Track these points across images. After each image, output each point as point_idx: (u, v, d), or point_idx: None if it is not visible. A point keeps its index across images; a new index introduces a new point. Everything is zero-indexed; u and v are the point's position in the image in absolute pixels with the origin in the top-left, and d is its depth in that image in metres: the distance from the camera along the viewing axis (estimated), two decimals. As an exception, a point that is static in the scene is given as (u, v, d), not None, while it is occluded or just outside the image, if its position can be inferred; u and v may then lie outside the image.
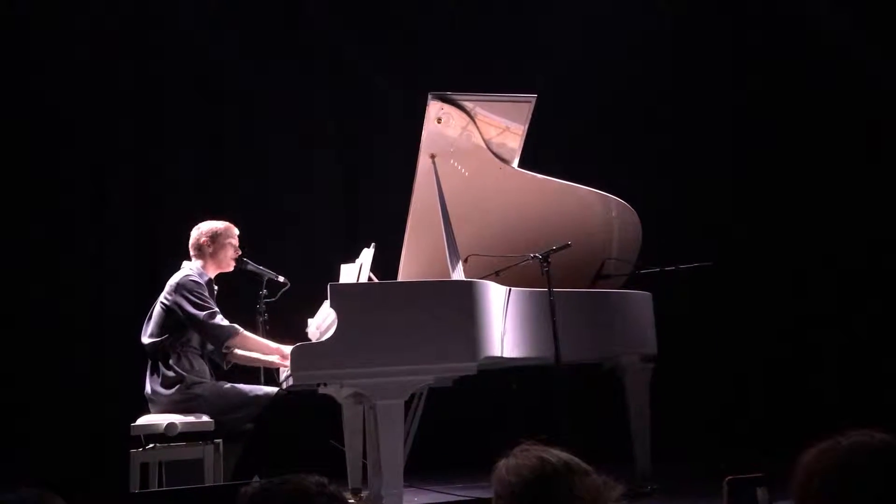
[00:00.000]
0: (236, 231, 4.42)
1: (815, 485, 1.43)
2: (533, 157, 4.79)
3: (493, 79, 6.12)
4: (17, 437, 5.71)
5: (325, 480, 1.45)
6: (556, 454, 1.52)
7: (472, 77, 6.30)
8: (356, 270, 4.33)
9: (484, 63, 6.78)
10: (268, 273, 4.63)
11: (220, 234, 4.35)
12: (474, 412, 6.15)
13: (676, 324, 5.48)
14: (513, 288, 4.23)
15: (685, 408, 6.16)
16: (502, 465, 1.55)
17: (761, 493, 1.84)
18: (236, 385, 4.18)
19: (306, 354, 3.75)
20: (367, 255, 4.28)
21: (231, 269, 4.44)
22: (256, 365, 4.38)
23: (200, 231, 4.36)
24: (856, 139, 6.59)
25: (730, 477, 1.87)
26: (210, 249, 4.33)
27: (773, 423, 6.12)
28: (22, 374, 5.92)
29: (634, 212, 5.03)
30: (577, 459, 1.53)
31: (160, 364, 4.13)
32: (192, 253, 4.36)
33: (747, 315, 6.63)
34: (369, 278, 4.30)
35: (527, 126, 4.58)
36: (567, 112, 6.57)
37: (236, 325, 4.15)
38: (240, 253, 4.43)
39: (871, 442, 1.45)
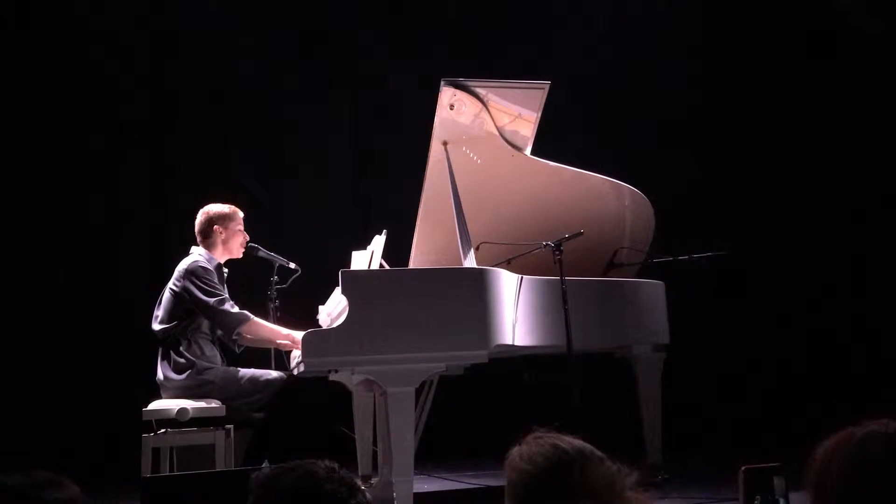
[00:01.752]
0: (241, 214, 4.38)
1: (831, 474, 1.42)
2: (546, 144, 4.76)
3: (507, 65, 6.10)
4: (30, 421, 5.75)
5: (335, 465, 1.45)
6: (570, 441, 1.51)
7: (485, 63, 6.29)
8: (368, 257, 4.32)
9: (498, 49, 6.75)
10: (279, 259, 4.62)
11: (231, 218, 4.31)
12: (485, 400, 6.16)
13: (689, 313, 5.47)
14: (524, 276, 4.21)
15: (697, 397, 6.14)
16: (515, 452, 1.54)
17: (777, 482, 1.83)
18: (247, 371, 4.18)
19: (317, 341, 3.74)
20: (378, 242, 4.27)
21: (240, 256, 4.41)
22: (268, 346, 4.38)
23: (209, 215, 4.30)
24: (872, 128, 6.54)
25: (746, 466, 1.85)
26: (223, 236, 4.29)
27: (788, 413, 6.09)
28: (35, 359, 5.95)
29: (647, 200, 5.00)
30: (590, 447, 1.52)
31: (171, 350, 4.12)
32: (199, 238, 4.31)
33: (761, 304, 6.60)
34: (381, 265, 4.29)
35: (540, 113, 4.55)
36: (580, 99, 6.54)
37: (246, 312, 4.14)
38: (248, 238, 4.40)
39: (887, 431, 1.44)
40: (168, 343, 4.15)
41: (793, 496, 1.86)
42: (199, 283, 4.10)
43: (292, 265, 4.64)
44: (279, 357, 4.53)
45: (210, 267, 4.18)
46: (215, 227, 4.29)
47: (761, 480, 1.82)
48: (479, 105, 4.43)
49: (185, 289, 4.11)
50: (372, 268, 4.20)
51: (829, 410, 5.52)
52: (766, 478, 1.83)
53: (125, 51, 6.55)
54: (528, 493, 1.49)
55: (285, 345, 4.21)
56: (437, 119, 4.35)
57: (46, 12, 6.35)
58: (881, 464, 1.39)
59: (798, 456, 1.60)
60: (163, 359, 4.16)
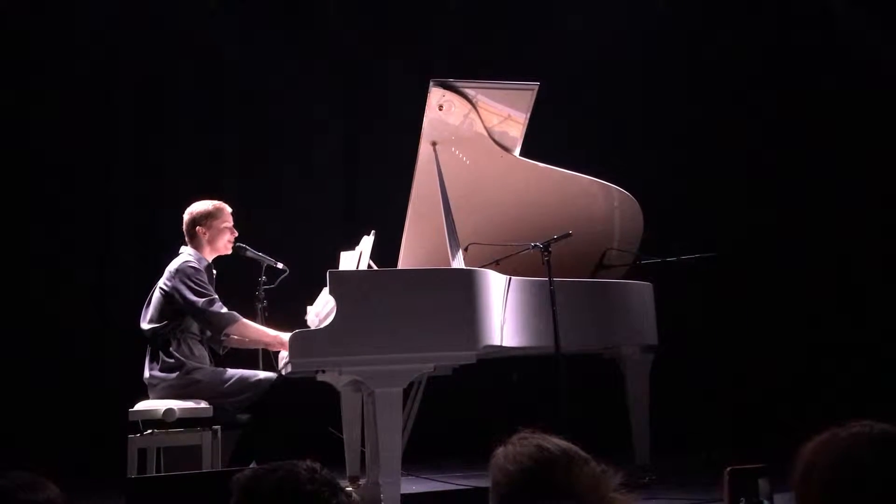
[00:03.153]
0: (229, 210, 4.34)
1: (816, 476, 1.42)
2: (535, 145, 4.76)
3: (501, 65, 6.11)
4: (15, 421, 5.71)
5: (317, 466, 1.44)
6: (555, 442, 1.51)
7: (475, 63, 6.29)
8: (356, 258, 4.31)
9: (493, 49, 6.75)
10: (267, 260, 4.60)
11: (215, 217, 4.28)
12: (473, 401, 6.15)
13: (677, 314, 5.47)
14: (513, 277, 4.21)
15: (685, 398, 6.14)
16: (500, 452, 1.54)
17: (762, 484, 1.83)
18: (236, 371, 4.16)
19: (305, 341, 3.73)
20: (366, 242, 4.26)
21: (229, 252, 4.39)
22: (254, 347, 4.36)
23: (192, 215, 4.29)
24: (863, 131, 6.56)
25: (731, 467, 1.85)
26: (206, 236, 4.28)
27: (773, 414, 6.10)
28: (21, 360, 5.92)
29: (636, 202, 5.01)
30: (575, 448, 1.51)
31: (160, 350, 4.11)
32: (186, 239, 4.31)
33: (749, 305, 6.62)
34: (369, 266, 4.28)
35: (529, 114, 4.55)
36: (571, 100, 6.54)
37: (235, 313, 4.12)
38: (236, 234, 4.38)
39: (871, 432, 1.44)
40: (157, 343, 4.13)
41: (777, 498, 1.86)
42: (188, 282, 4.08)
43: (280, 265, 4.62)
44: (267, 357, 4.51)
45: (200, 267, 4.17)
46: (198, 227, 4.28)
47: (746, 482, 1.82)
48: (469, 106, 4.43)
49: (174, 289, 4.10)
50: (360, 268, 4.19)
51: (814, 412, 5.54)
52: (750, 479, 1.83)
53: (117, 49, 6.52)
54: (512, 494, 1.49)
55: (271, 344, 4.21)
56: (425, 120, 4.34)
57: (37, 9, 6.32)
58: (865, 465, 1.39)
59: (783, 457, 1.60)
60: (151, 359, 4.14)
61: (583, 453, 1.52)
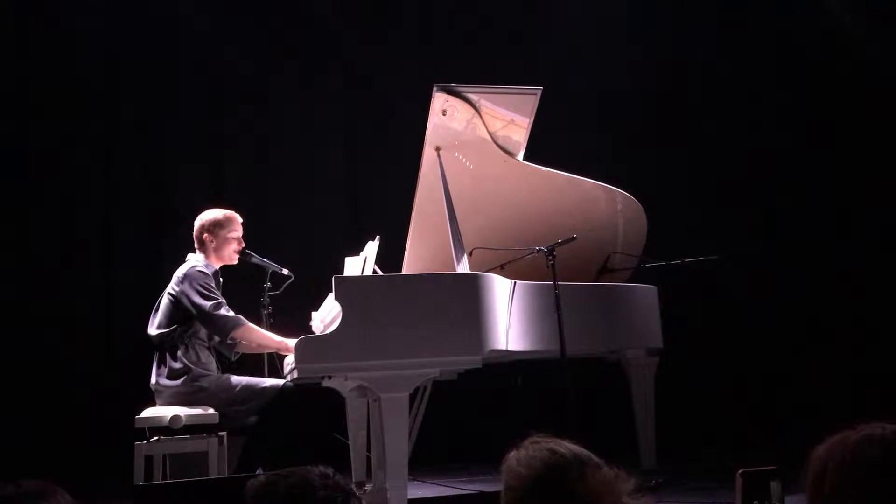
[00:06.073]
0: (240, 220, 4.37)
1: (828, 477, 1.42)
2: (538, 149, 4.76)
3: (499, 70, 6.11)
4: (22, 428, 5.71)
5: (330, 472, 1.44)
6: (568, 446, 1.51)
7: (478, 68, 6.30)
8: (361, 263, 4.32)
9: (490, 53, 6.75)
10: (272, 266, 4.60)
11: (222, 226, 4.31)
12: (479, 405, 6.14)
13: (682, 317, 5.47)
14: (518, 281, 4.21)
15: (692, 401, 6.14)
16: (513, 457, 1.53)
17: (774, 486, 1.83)
18: (241, 378, 4.17)
19: (311, 347, 3.74)
20: (371, 248, 4.27)
21: (235, 262, 4.41)
22: (264, 351, 4.38)
23: (202, 223, 4.32)
24: (867, 131, 6.56)
25: (743, 470, 1.86)
26: (213, 245, 4.30)
27: (783, 416, 6.09)
28: (27, 366, 5.91)
29: (640, 205, 5.01)
30: (588, 452, 1.51)
31: (167, 355, 4.12)
32: (195, 245, 4.34)
33: (755, 307, 6.61)
34: (374, 271, 4.28)
35: (532, 119, 4.55)
36: (572, 104, 6.54)
37: (241, 317, 4.14)
38: (243, 245, 4.40)
39: (883, 434, 1.44)
40: (164, 348, 4.14)
41: (789, 500, 1.86)
42: (196, 286, 4.10)
43: (285, 271, 4.63)
44: (273, 365, 4.52)
45: (208, 272, 4.19)
46: (205, 235, 4.31)
47: (758, 484, 1.82)
48: (472, 111, 4.43)
49: (182, 293, 4.11)
50: (365, 274, 4.19)
51: (824, 413, 5.53)
52: (763, 482, 1.83)
53: (117, 50, 6.51)
54: (525, 499, 1.49)
55: (280, 348, 4.22)
56: (429, 125, 4.35)
57: (33, 14, 6.32)
58: (877, 467, 1.39)
59: (794, 459, 1.60)
60: (158, 365, 4.15)
61: (595, 458, 1.52)
